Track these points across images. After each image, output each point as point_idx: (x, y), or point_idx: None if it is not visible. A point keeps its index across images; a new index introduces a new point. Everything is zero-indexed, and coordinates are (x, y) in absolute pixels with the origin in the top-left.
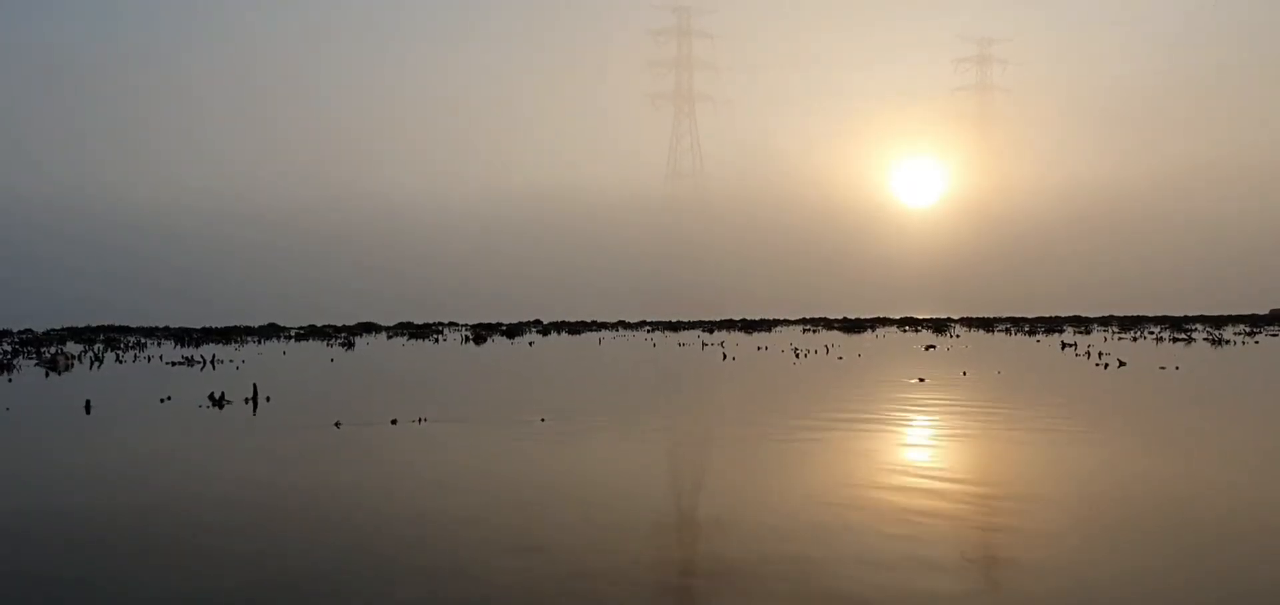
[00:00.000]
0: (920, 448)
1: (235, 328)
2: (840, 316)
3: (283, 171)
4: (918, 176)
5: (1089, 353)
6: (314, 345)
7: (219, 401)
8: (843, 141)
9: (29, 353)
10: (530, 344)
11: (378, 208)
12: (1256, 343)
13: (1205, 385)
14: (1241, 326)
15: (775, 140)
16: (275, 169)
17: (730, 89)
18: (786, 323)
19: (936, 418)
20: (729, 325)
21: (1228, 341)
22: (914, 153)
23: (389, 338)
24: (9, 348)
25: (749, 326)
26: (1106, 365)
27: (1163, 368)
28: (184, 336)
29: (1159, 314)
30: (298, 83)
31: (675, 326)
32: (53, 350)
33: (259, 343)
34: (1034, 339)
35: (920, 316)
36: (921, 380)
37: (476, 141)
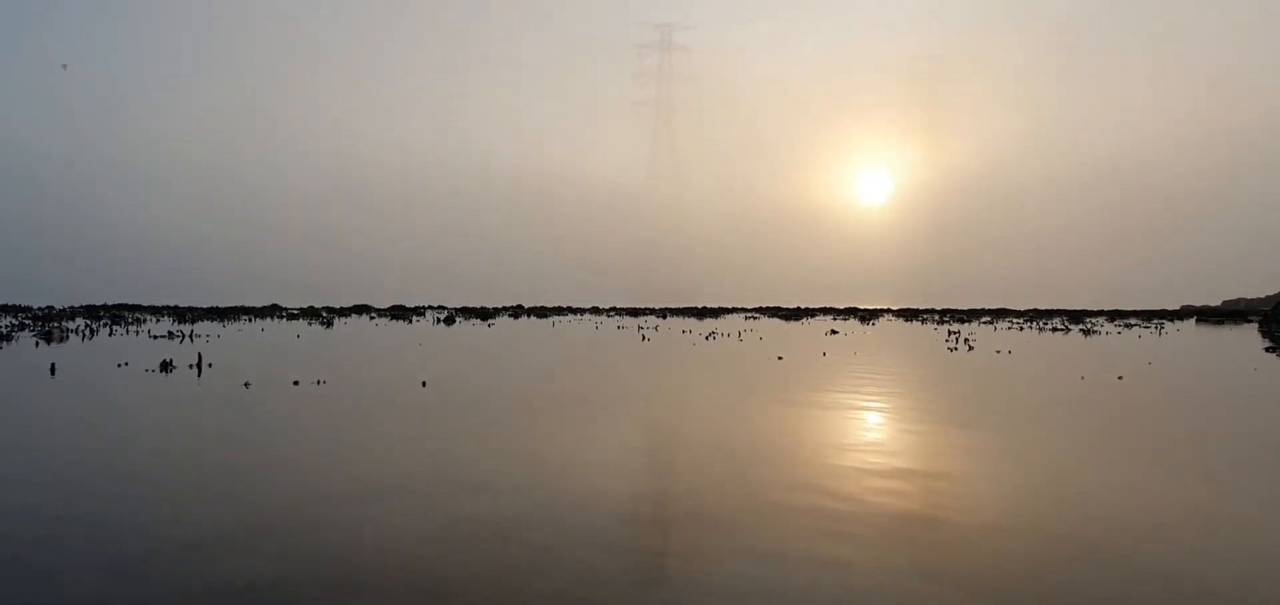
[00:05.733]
0: (671, 412)
1: (236, 307)
2: (794, 306)
3: (301, 161)
4: (871, 177)
5: (960, 339)
6: (300, 324)
7: (166, 367)
8: (814, 149)
9: (35, 327)
10: (488, 326)
11: (375, 195)
12: (1137, 336)
13: (993, 369)
14: (1159, 321)
15: (747, 146)
16: (298, 158)
17: (707, 98)
18: (741, 311)
19: (718, 387)
20: (688, 312)
21: (1097, 332)
22: (866, 161)
23: (372, 319)
24: (14, 321)
25: (702, 314)
26: (954, 349)
27: (998, 352)
28: (185, 314)
29: (1140, 308)
30: (308, 79)
31: (635, 312)
32: (52, 324)
33: (251, 320)
34: (930, 327)
35: (863, 307)
36: (780, 359)
37: (475, 144)
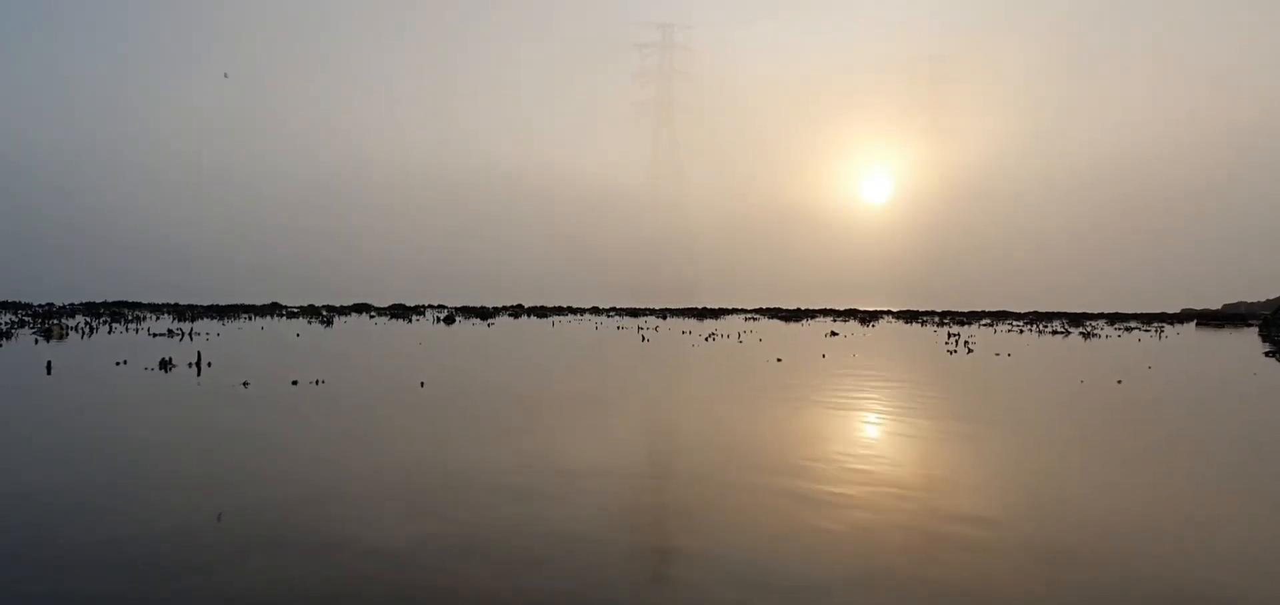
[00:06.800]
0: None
1: (236, 305)
2: (793, 307)
3: (301, 159)
4: (872, 178)
5: (960, 342)
6: (300, 322)
7: (165, 366)
8: (814, 149)
9: (35, 324)
10: (488, 325)
11: (375, 194)
12: (1137, 338)
13: (993, 372)
14: (1159, 324)
15: (747, 146)
16: (298, 156)
17: (707, 97)
18: (741, 311)
19: (717, 389)
20: (687, 313)
21: (1097, 335)
22: (866, 161)
23: (372, 317)
24: (14, 318)
25: (702, 314)
26: (954, 351)
27: (998, 354)
28: (185, 312)
29: (1134, 311)
30: (306, 80)
31: (635, 313)
32: (51, 321)
33: (251, 318)
34: (930, 329)
35: (863, 308)
36: (779, 361)
37: (475, 144)
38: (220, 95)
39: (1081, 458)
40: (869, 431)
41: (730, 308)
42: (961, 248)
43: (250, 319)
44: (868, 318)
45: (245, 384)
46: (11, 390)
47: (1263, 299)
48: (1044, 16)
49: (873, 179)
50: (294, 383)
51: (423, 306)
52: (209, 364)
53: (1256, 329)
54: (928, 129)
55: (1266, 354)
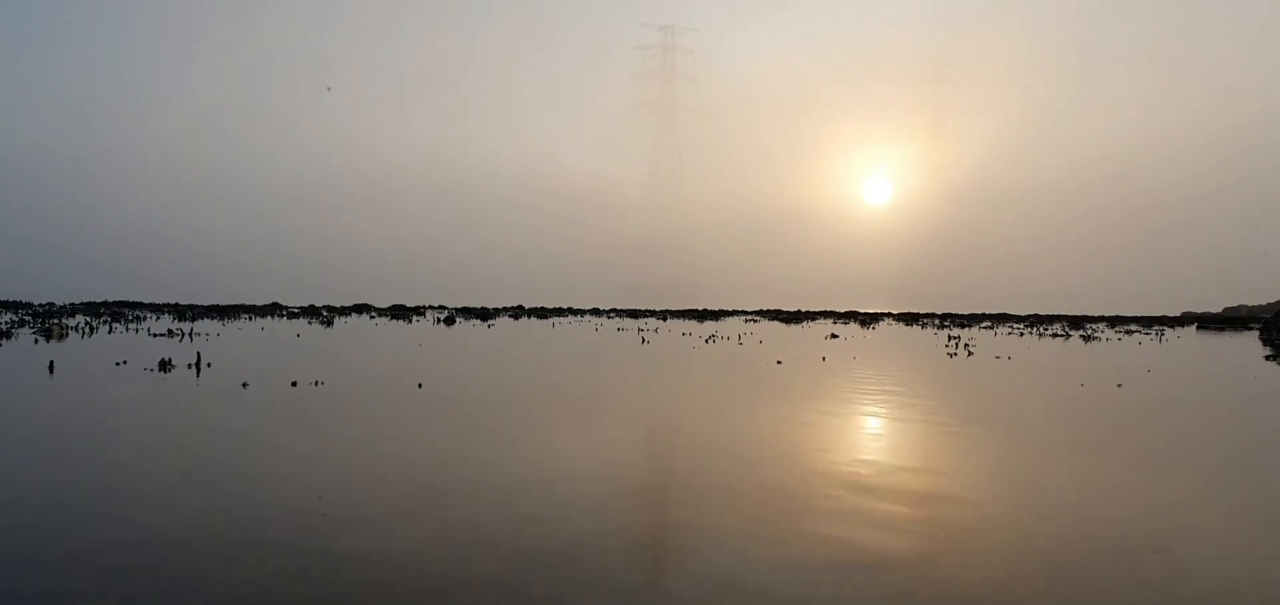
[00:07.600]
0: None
1: (237, 305)
2: (794, 309)
3: (302, 159)
4: (873, 180)
5: (960, 344)
6: (300, 323)
7: (165, 366)
8: (815, 151)
9: (36, 323)
10: (489, 326)
11: (375, 194)
12: (1137, 342)
13: (992, 375)
14: (1160, 327)
15: (748, 147)
16: (299, 156)
17: (708, 99)
18: (742, 313)
19: (715, 391)
20: (688, 314)
21: (1098, 338)
22: (867, 163)
23: (372, 318)
24: (14, 317)
25: (702, 316)
26: (954, 354)
27: (998, 357)
28: (186, 312)
29: (1136, 314)
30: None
31: (636, 314)
32: (52, 321)
33: (252, 319)
34: (930, 332)
35: (864, 310)
36: (779, 362)
37: (476, 145)
38: (220, 95)
39: (1080, 462)
40: (867, 435)
41: (731, 309)
42: (962, 250)
43: (250, 319)
44: (868, 320)
45: (244, 385)
46: (13, 391)
47: (1263, 303)
48: (1044, 18)
49: (873, 180)
50: (293, 384)
51: (423, 307)
52: (208, 365)
53: (1257, 332)
54: (928, 130)
55: (1267, 358)
